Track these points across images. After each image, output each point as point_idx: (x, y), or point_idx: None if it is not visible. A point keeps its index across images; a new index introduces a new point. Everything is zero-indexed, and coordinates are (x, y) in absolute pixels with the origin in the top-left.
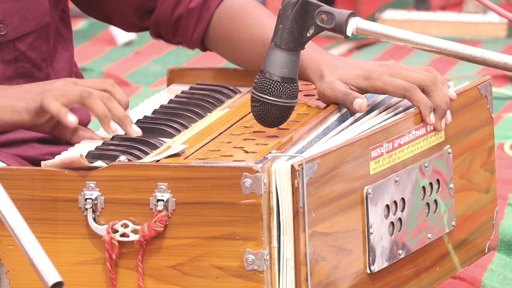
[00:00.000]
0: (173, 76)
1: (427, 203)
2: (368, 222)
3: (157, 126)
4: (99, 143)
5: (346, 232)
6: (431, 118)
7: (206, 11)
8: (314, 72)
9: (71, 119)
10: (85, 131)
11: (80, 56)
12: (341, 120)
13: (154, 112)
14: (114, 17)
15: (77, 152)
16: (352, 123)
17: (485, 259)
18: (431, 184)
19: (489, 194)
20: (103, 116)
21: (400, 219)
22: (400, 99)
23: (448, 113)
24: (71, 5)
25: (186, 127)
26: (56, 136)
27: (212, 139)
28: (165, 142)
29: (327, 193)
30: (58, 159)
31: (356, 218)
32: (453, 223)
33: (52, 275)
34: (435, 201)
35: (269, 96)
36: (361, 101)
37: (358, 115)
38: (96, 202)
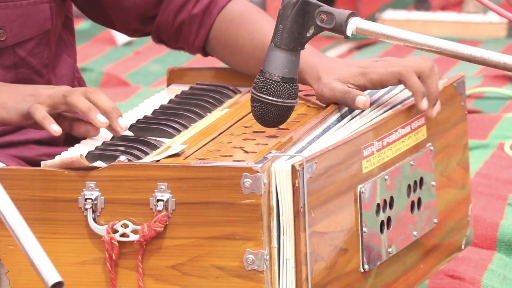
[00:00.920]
0: (173, 76)
1: (412, 201)
2: (361, 221)
3: (157, 126)
4: (99, 143)
5: (342, 231)
6: (423, 103)
7: (208, 17)
8: (310, 75)
9: (55, 129)
10: (79, 124)
11: (80, 56)
12: (341, 120)
13: (154, 112)
14: (118, 23)
15: (77, 152)
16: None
17: (485, 259)
18: (415, 182)
19: (464, 191)
20: (87, 109)
21: (389, 218)
22: (391, 95)
23: (438, 102)
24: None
25: (186, 127)
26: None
27: (212, 139)
28: (165, 142)
29: (325, 193)
30: (58, 159)
31: (350, 217)
32: (435, 220)
33: (52, 275)
34: (419, 198)
35: (269, 96)
36: (364, 98)
37: (355, 113)
38: (96, 202)
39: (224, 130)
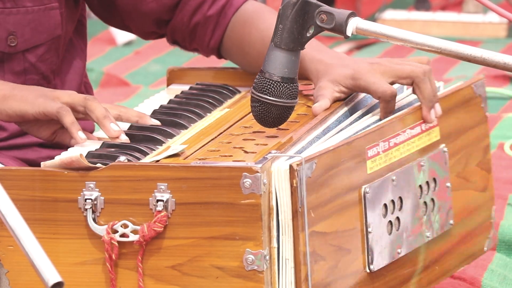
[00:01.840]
0: (173, 76)
1: (425, 202)
2: (366, 221)
3: (157, 126)
4: (98, 143)
5: (345, 231)
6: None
7: (223, 18)
8: (312, 73)
9: (82, 136)
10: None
11: None
12: (341, 120)
13: (154, 112)
14: (134, 27)
15: (76, 152)
16: (351, 123)
17: (485, 259)
18: (427, 183)
19: (486, 193)
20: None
21: (398, 218)
22: (401, 97)
23: (437, 105)
24: None
25: (186, 127)
26: (58, 142)
27: (212, 139)
28: (164, 142)
29: (325, 193)
30: (57, 159)
31: (354, 217)
32: (451, 221)
33: (52, 276)
34: (432, 199)
35: (269, 96)
36: (318, 109)
37: (357, 114)
38: (95, 202)
39: (224, 130)
